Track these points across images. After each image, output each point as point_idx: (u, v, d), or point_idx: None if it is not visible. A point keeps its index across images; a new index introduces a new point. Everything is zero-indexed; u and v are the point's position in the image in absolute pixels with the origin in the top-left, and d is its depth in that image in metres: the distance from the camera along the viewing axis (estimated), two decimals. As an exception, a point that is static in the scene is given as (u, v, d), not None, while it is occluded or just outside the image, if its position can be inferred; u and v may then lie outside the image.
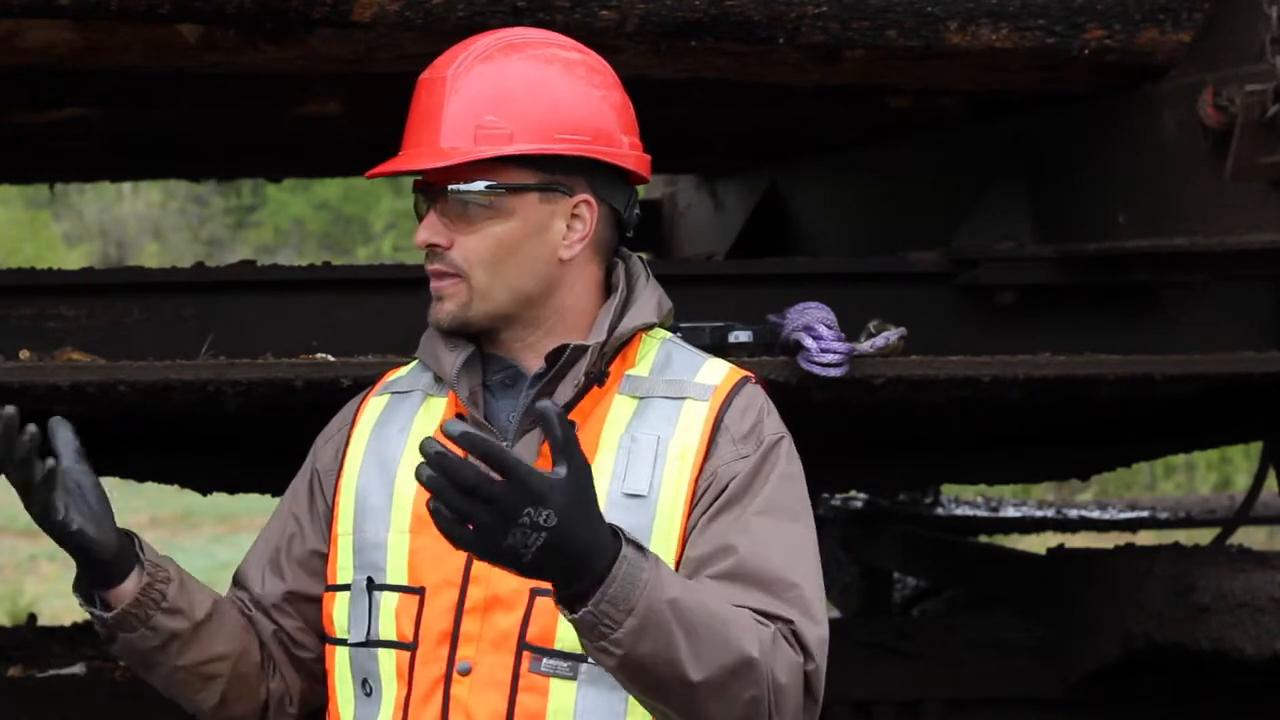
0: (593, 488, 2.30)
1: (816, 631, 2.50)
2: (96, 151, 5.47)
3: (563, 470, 2.25)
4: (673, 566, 2.50)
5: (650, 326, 2.67)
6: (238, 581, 2.77)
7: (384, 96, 4.29)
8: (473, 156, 2.56)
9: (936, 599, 6.90)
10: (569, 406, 2.57)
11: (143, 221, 24.64)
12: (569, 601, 2.32)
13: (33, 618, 5.82)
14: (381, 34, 3.75)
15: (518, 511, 2.23)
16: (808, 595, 2.51)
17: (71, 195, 22.47)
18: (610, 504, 2.52)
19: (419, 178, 2.64)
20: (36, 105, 4.62)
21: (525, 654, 2.52)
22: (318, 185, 21.54)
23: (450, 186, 2.58)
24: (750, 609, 2.46)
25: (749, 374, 2.67)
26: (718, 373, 2.64)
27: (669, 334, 2.71)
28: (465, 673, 2.53)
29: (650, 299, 2.68)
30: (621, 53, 3.86)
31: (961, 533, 7.11)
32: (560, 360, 2.58)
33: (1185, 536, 6.26)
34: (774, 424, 2.62)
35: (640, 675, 2.36)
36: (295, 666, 2.73)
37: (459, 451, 2.21)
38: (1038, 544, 6.64)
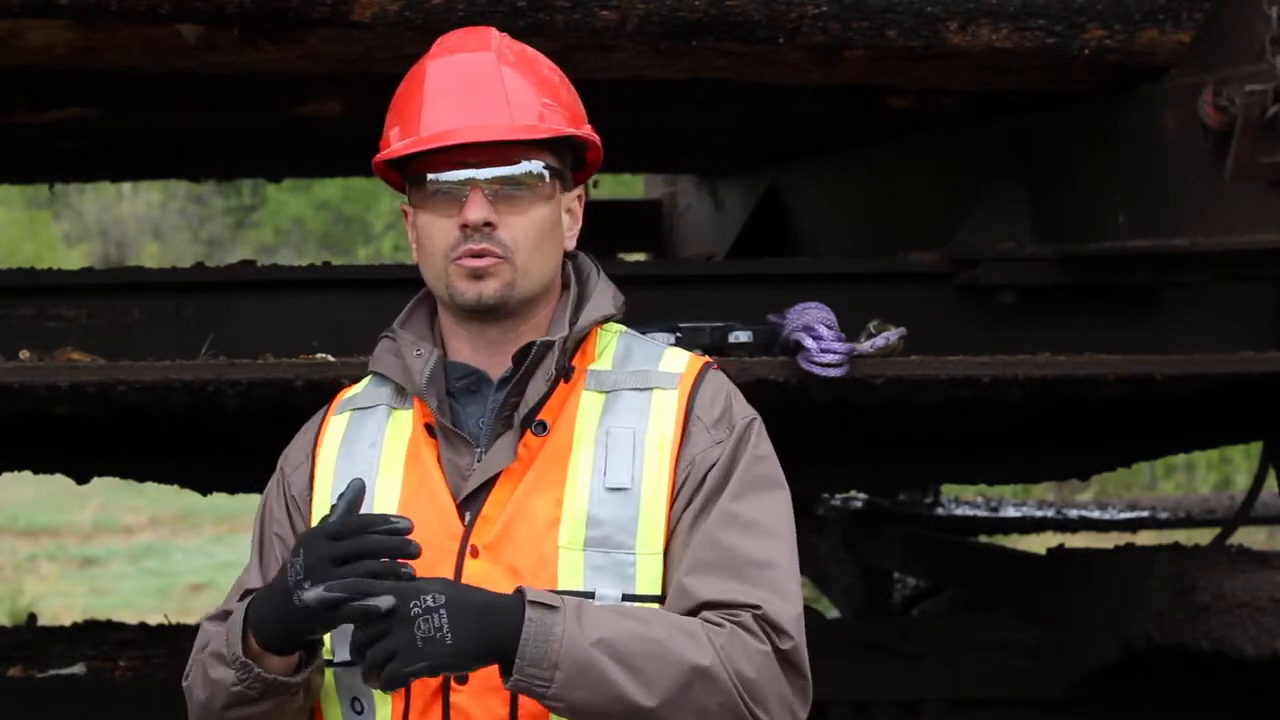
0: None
1: (788, 610, 2.52)
2: (96, 151, 5.47)
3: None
4: (660, 554, 2.53)
5: (608, 319, 2.67)
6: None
7: (384, 96, 4.28)
8: (557, 132, 2.58)
9: (936, 599, 6.90)
10: (540, 404, 2.57)
11: (143, 221, 24.65)
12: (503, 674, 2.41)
13: (33, 618, 5.82)
14: (381, 34, 3.75)
15: (406, 607, 2.36)
16: (779, 574, 2.54)
17: (71, 195, 22.48)
18: (594, 499, 2.53)
19: (401, 157, 2.60)
20: (36, 105, 4.62)
21: None
22: (318, 185, 21.54)
23: (521, 164, 2.57)
24: (716, 601, 2.48)
25: (709, 360, 2.69)
26: (680, 361, 2.65)
27: (623, 327, 2.71)
28: (463, 681, 2.52)
29: (605, 293, 2.68)
30: (621, 53, 3.87)
31: (961, 533, 7.11)
32: (528, 358, 2.58)
33: (1185, 536, 6.27)
34: (742, 407, 2.64)
35: (594, 717, 2.42)
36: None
37: None
38: (1038, 544, 6.64)
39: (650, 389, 2.61)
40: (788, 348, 4.07)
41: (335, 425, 2.69)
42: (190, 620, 5.98)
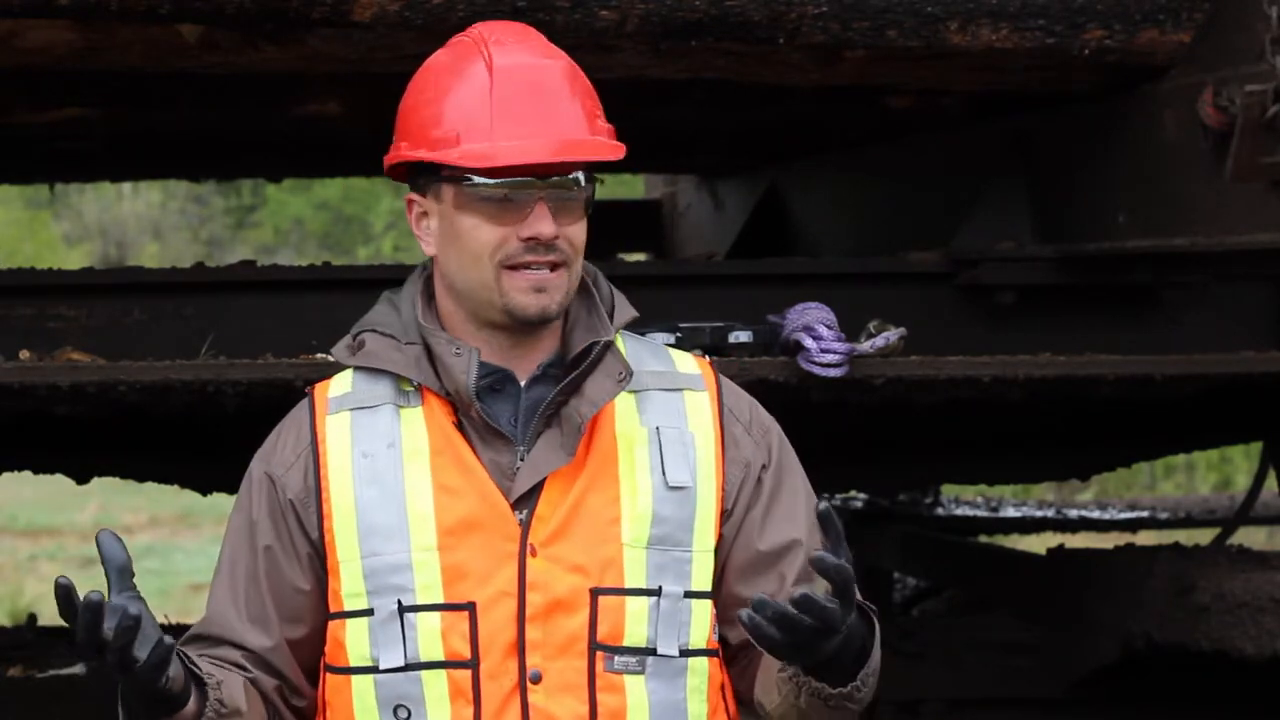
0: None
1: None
2: (96, 151, 5.47)
3: (848, 564, 2.36)
4: (711, 551, 2.57)
5: (635, 320, 2.68)
6: (219, 637, 2.64)
7: (384, 96, 4.28)
8: (619, 154, 2.60)
9: (936, 599, 6.89)
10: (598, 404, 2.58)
11: (143, 221, 24.62)
12: (828, 677, 2.44)
13: (33, 618, 5.81)
14: (381, 34, 3.75)
15: (841, 625, 2.37)
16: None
17: (71, 195, 22.43)
18: (657, 498, 2.56)
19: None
20: (36, 105, 4.62)
21: (599, 654, 2.53)
22: (318, 185, 21.51)
23: (576, 174, 2.57)
24: None
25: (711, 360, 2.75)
26: (691, 361, 2.69)
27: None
28: (537, 680, 2.52)
29: (621, 295, 2.69)
30: (621, 53, 3.87)
31: (961, 533, 7.10)
32: (589, 358, 2.58)
33: (1185, 536, 6.25)
34: (760, 405, 2.69)
35: (848, 714, 2.49)
36: (295, 715, 2.66)
37: None
38: (1038, 544, 6.64)
39: (680, 390, 2.63)
40: (788, 348, 4.07)
41: (336, 425, 2.63)
42: (190, 620, 5.96)
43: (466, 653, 2.52)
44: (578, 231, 2.58)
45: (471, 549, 2.54)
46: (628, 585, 2.53)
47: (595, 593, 2.52)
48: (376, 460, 2.59)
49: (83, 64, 3.96)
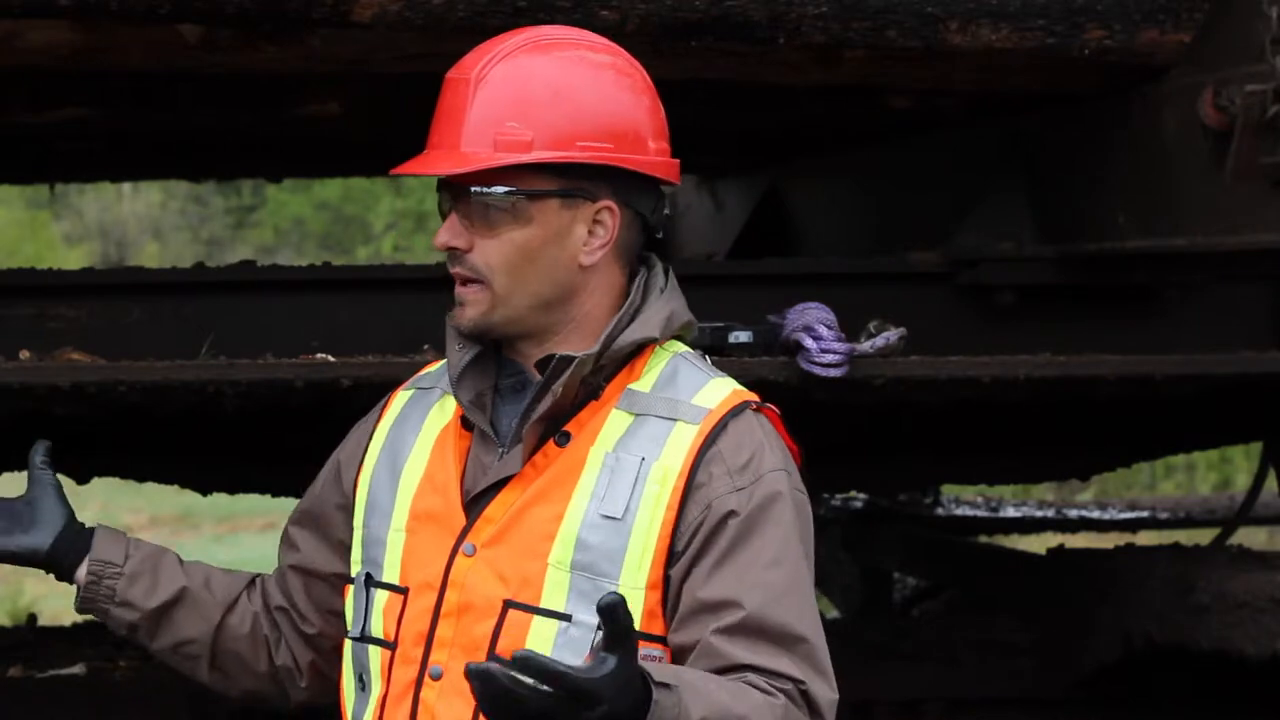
0: (636, 667, 2.27)
1: (828, 693, 2.48)
2: (96, 151, 5.47)
3: (613, 661, 2.23)
4: (643, 589, 2.48)
5: (649, 342, 2.59)
6: (286, 537, 2.82)
7: (384, 96, 4.30)
8: (489, 164, 2.52)
9: (936, 599, 6.89)
10: (562, 418, 2.54)
11: (143, 221, 24.62)
12: None
13: (33, 618, 5.81)
14: (381, 34, 3.75)
15: (576, 712, 2.22)
16: (818, 652, 2.49)
17: (71, 195, 22.45)
18: (586, 524, 2.50)
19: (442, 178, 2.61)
20: (36, 105, 4.61)
21: None
22: (318, 185, 21.51)
23: (473, 190, 2.53)
24: (759, 666, 2.43)
25: (753, 399, 2.60)
26: (716, 396, 2.57)
27: (684, 348, 2.64)
28: (437, 677, 2.52)
29: (660, 312, 2.60)
30: (622, 53, 3.86)
31: (961, 533, 7.11)
32: (548, 370, 2.54)
33: (1185, 536, 6.25)
34: (775, 458, 2.55)
35: None
36: (304, 641, 2.76)
37: None
38: (1038, 544, 6.64)
39: (675, 420, 2.54)
40: (788, 348, 4.07)
41: (399, 401, 2.72)
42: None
43: (392, 635, 2.57)
44: (495, 248, 2.53)
45: (424, 537, 2.58)
46: (541, 605, 2.49)
47: (508, 605, 2.50)
48: (398, 439, 2.66)
49: (83, 64, 3.96)
